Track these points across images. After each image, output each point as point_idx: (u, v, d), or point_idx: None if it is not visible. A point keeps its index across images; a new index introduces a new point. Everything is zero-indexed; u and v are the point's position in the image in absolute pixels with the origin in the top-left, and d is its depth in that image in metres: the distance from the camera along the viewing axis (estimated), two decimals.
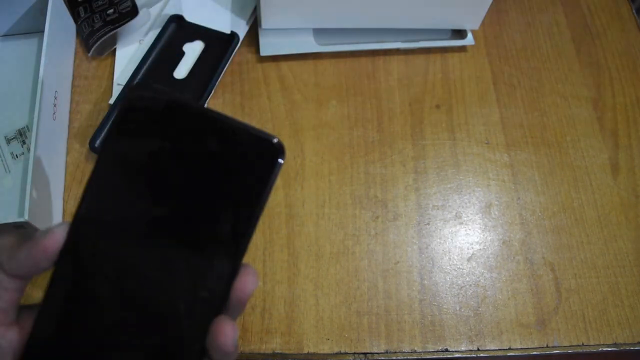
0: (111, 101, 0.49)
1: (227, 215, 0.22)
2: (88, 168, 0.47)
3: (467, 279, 0.44)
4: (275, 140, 0.22)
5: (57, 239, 0.22)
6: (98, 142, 0.47)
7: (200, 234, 0.22)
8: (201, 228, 0.22)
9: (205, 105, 0.49)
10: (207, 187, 0.22)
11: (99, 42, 0.50)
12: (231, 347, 0.22)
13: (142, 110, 0.22)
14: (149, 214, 0.22)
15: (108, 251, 0.22)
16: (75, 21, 0.52)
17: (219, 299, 0.22)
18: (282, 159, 0.22)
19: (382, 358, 0.41)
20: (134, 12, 0.50)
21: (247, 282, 0.22)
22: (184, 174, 0.22)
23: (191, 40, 0.51)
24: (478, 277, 0.44)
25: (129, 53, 0.52)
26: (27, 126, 0.49)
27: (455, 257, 0.45)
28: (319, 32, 0.53)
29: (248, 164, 0.22)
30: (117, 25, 0.50)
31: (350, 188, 0.47)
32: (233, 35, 0.51)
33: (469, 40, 0.53)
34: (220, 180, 0.22)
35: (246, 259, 0.22)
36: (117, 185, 0.22)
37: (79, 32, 0.53)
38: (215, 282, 0.22)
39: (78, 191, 0.46)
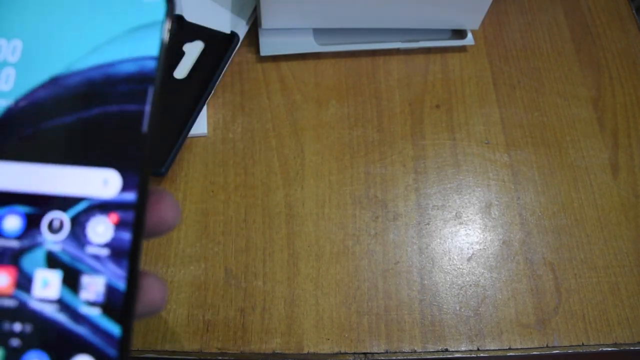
0: None
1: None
2: None
3: (467, 279, 0.44)
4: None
5: None
6: None
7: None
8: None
9: (206, 105, 0.49)
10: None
11: None
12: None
13: None
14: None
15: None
16: None
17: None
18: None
19: (382, 358, 0.41)
20: None
21: None
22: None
23: (191, 40, 0.51)
24: (478, 277, 0.44)
25: None
26: None
27: (455, 257, 0.45)
28: (319, 32, 0.53)
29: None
30: None
31: (350, 188, 0.47)
32: (233, 35, 0.51)
33: (469, 40, 0.53)
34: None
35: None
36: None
37: None
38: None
39: None
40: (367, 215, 0.46)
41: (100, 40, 0.18)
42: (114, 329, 0.16)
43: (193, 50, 0.51)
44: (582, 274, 0.44)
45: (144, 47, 0.18)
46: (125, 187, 0.17)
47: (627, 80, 0.54)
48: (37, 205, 0.17)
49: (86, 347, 0.16)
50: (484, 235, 0.46)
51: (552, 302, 0.43)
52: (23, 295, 0.16)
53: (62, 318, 0.16)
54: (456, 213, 0.47)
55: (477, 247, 0.45)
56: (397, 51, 0.54)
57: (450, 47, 0.54)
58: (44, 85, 0.17)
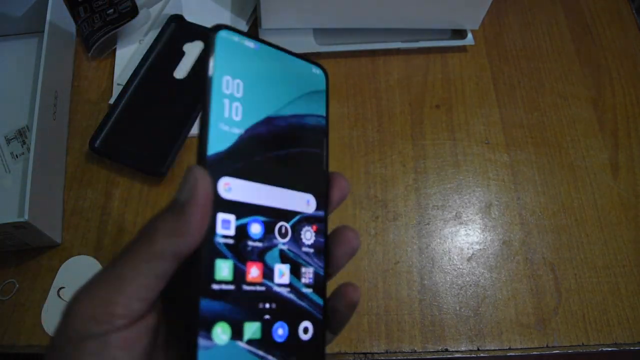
0: (111, 101, 0.49)
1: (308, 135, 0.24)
2: (88, 168, 0.47)
3: (467, 279, 0.44)
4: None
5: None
6: (98, 142, 0.47)
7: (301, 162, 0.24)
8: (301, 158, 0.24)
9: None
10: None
11: (99, 42, 0.50)
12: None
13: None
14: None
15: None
16: (75, 21, 0.52)
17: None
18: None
19: (382, 358, 0.41)
20: (134, 12, 0.50)
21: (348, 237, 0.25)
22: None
23: (191, 40, 0.51)
24: (478, 277, 0.44)
25: (129, 53, 0.52)
26: (27, 126, 0.49)
27: (455, 257, 0.45)
28: (319, 32, 0.53)
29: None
30: (117, 25, 0.50)
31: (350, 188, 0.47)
32: None
33: (469, 40, 0.53)
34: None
35: None
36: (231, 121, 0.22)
37: (79, 32, 0.53)
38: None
39: (78, 191, 0.46)
40: (367, 215, 0.46)
41: (293, 96, 0.24)
42: (320, 301, 0.24)
43: (193, 50, 0.51)
44: (582, 274, 0.44)
45: (317, 106, 0.25)
46: (318, 206, 0.25)
47: (627, 80, 0.54)
48: (271, 216, 0.23)
49: (307, 315, 0.23)
50: (484, 235, 0.46)
51: (552, 302, 0.43)
52: (268, 283, 0.22)
53: (292, 297, 0.23)
54: (456, 213, 0.47)
55: (477, 247, 0.45)
56: (397, 51, 0.54)
57: (450, 47, 0.54)
58: (261, 122, 0.23)
